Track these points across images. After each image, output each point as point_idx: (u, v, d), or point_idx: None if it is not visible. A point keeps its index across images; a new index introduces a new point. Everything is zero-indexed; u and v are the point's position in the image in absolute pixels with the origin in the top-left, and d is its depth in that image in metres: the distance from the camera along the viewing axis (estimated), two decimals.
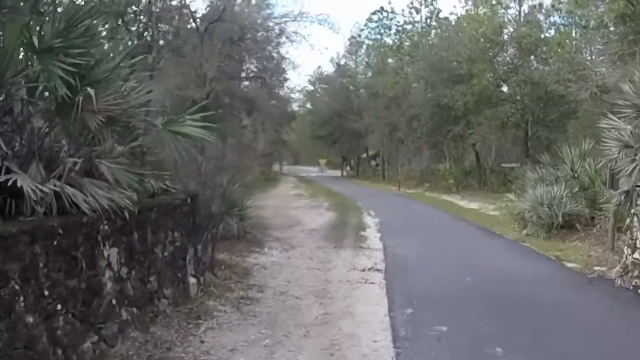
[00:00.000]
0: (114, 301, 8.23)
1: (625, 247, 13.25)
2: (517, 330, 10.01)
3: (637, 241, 12.64)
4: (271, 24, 30.36)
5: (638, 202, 12.93)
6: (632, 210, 13.17)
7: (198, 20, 28.21)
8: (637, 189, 13.10)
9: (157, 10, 27.44)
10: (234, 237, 17.65)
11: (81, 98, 7.95)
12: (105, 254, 8.04)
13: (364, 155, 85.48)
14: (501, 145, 52.88)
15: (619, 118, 14.07)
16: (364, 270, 15.07)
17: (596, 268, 14.98)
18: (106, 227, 8.04)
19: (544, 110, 40.06)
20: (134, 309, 8.84)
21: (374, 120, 62.76)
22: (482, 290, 12.87)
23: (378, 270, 15.17)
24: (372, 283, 13.59)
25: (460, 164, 51.23)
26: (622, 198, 14.35)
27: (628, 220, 13.43)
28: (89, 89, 7.92)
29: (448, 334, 9.54)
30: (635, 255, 12.64)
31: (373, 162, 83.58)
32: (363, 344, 9.17)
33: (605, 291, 12.84)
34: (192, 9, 28.44)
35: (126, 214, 8.31)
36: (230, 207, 17.22)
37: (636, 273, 12.54)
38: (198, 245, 12.04)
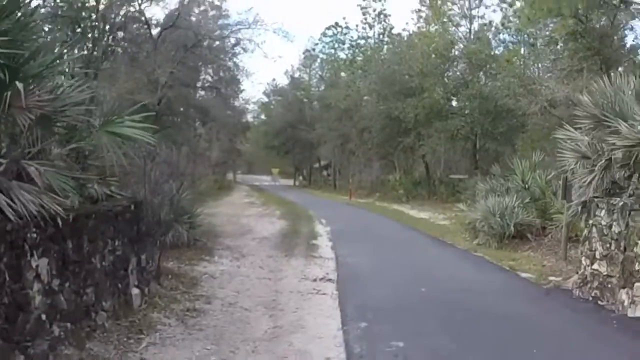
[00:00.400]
0: (43, 316, 7.22)
1: (584, 258, 12.60)
2: (476, 346, 9.19)
3: (596, 252, 11.99)
4: (226, 32, 29.35)
5: (596, 214, 12.23)
6: (591, 222, 12.50)
7: (153, 26, 27.25)
8: (595, 200, 12.41)
9: (113, 17, 26.45)
10: (183, 244, 16.65)
11: (9, 93, 6.99)
12: (34, 264, 7.03)
13: (316, 165, 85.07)
14: (450, 157, 52.60)
15: (575, 129, 13.41)
16: (315, 280, 14.20)
17: (551, 278, 14.38)
18: (34, 235, 7.03)
19: (492, 123, 39.65)
20: (68, 324, 7.82)
21: (326, 131, 62.00)
22: (438, 302, 12.06)
23: (330, 280, 14.32)
24: (324, 294, 12.71)
25: (410, 174, 50.67)
26: (579, 209, 13.67)
27: (586, 231, 12.79)
28: (17, 83, 6.95)
29: (405, 351, 8.67)
30: (595, 266, 11.99)
31: (325, 172, 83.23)
32: None
33: (563, 303, 12.18)
34: (148, 15, 27.46)
35: (59, 221, 7.34)
36: (180, 215, 16.40)
37: (595, 284, 11.89)
38: (142, 254, 11.02)
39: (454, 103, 43.84)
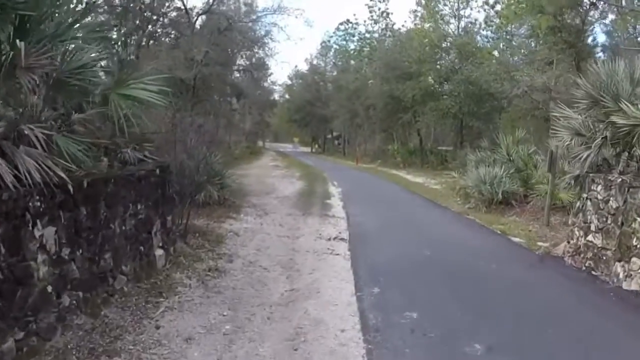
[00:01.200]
0: (49, 288, 5.46)
1: (577, 229, 10.68)
2: (486, 317, 7.32)
3: (592, 225, 10.09)
4: (254, 17, 27.30)
5: (592, 188, 10.32)
6: (585, 195, 10.58)
7: (191, 12, 25.32)
8: (591, 175, 10.49)
9: (162, 10, 24.67)
10: (214, 203, 15.03)
11: (12, 53, 5.15)
12: (37, 234, 5.25)
13: (329, 136, 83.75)
14: (438, 131, 50.70)
15: (571, 109, 11.50)
16: (329, 239, 12.37)
17: (540, 243, 12.49)
18: (38, 203, 5.24)
19: (477, 104, 37.59)
20: (80, 293, 6.06)
21: (338, 108, 60.08)
22: (443, 266, 10.14)
23: (342, 239, 12.48)
24: (337, 254, 10.88)
25: (406, 145, 48.59)
26: (573, 182, 11.74)
27: (579, 204, 10.88)
28: (18, 41, 5.10)
29: (420, 324, 6.82)
30: (589, 237, 10.11)
31: (336, 142, 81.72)
32: (330, 334, 6.48)
33: (558, 270, 10.24)
34: (188, 6, 25.53)
35: (70, 187, 5.54)
36: (212, 177, 14.81)
37: (589, 255, 10.01)
38: (168, 215, 9.20)
39: (446, 86, 41.56)
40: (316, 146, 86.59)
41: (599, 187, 10.04)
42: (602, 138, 10.37)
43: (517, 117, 29.92)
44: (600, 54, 32.57)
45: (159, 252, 8.49)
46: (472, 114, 38.23)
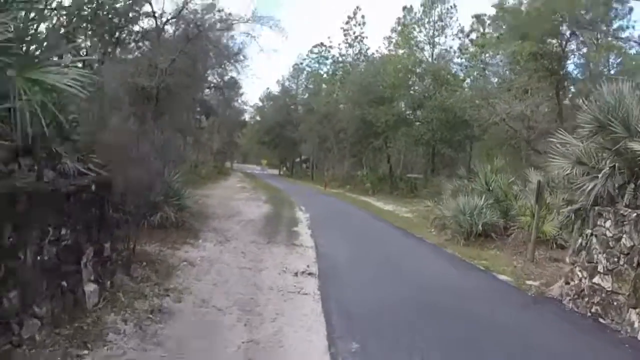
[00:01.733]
0: None
1: (579, 269, 9.34)
2: None
3: (599, 265, 8.74)
4: (225, 25, 25.56)
5: (599, 223, 9.01)
6: (589, 231, 9.25)
7: (158, 18, 23.62)
8: (597, 208, 9.17)
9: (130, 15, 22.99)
10: (171, 225, 13.46)
11: None
12: None
13: (298, 159, 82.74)
14: (407, 158, 49.79)
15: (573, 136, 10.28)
16: (296, 274, 10.82)
17: (529, 282, 11.23)
18: None
19: (450, 132, 36.62)
20: None
21: (308, 131, 59.29)
22: (430, 311, 8.65)
23: (311, 274, 10.96)
24: (306, 294, 9.32)
25: (375, 171, 47.45)
26: (573, 215, 10.35)
27: (581, 241, 9.53)
28: None
29: None
30: (596, 279, 8.76)
31: (304, 165, 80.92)
32: None
33: (560, 316, 8.92)
34: (157, 11, 23.84)
35: None
36: (170, 196, 13.31)
37: (596, 299, 8.66)
38: (106, 242, 7.54)
39: (419, 113, 40.62)
40: (284, 169, 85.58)
41: (608, 223, 8.73)
42: (611, 167, 9.12)
43: (494, 145, 29.12)
44: (572, 87, 32.25)
45: (90, 287, 6.83)
46: (444, 141, 37.31)
